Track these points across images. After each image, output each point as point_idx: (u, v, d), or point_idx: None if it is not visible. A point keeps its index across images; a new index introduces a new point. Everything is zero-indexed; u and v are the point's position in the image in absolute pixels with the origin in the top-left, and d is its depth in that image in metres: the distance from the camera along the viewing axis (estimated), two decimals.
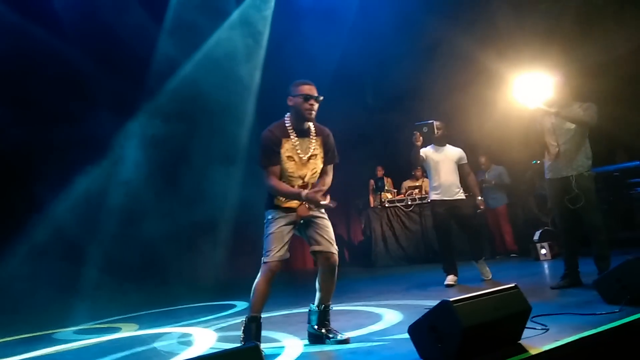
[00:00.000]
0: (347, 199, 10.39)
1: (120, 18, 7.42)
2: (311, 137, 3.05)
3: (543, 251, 6.58)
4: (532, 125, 4.26)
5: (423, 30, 8.49)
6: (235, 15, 8.40)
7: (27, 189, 7.13)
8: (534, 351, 2.27)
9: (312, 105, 2.97)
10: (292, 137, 3.00)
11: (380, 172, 8.92)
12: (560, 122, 4.10)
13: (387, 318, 3.60)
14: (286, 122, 3.03)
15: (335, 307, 4.01)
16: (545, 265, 6.08)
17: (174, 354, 3.26)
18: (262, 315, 3.00)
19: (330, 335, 3.04)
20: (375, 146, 9.35)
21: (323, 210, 3.10)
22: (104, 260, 7.10)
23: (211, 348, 3.31)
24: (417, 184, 8.59)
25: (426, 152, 5.08)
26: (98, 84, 7.42)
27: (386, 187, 8.75)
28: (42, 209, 7.10)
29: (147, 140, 7.43)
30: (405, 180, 8.80)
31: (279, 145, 2.96)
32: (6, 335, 4.88)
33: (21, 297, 6.55)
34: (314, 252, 3.08)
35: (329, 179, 3.14)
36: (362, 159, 9.27)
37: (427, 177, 8.82)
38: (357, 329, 3.33)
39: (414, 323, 2.39)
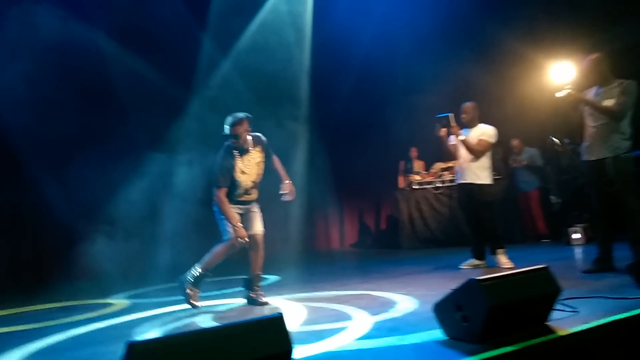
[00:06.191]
0: (379, 183, 10.28)
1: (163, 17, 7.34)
2: (251, 150, 3.91)
3: (576, 235, 6.44)
4: (573, 107, 4.17)
5: (456, 15, 8.32)
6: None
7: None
8: (561, 332, 2.24)
9: None
10: (241, 156, 3.87)
11: (414, 153, 8.82)
12: (597, 102, 3.99)
13: (410, 297, 3.59)
14: (233, 147, 3.84)
15: (359, 290, 4.08)
16: (578, 250, 5.95)
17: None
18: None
19: (255, 297, 3.92)
20: (410, 129, 9.22)
21: (255, 209, 4.02)
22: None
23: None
24: (450, 165, 8.47)
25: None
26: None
27: (415, 169, 8.66)
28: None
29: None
30: (437, 162, 8.71)
31: (234, 169, 3.82)
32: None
33: None
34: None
35: (282, 168, 4.07)
36: (396, 143, 9.16)
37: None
38: (382, 307, 3.34)
39: (439, 301, 2.39)
